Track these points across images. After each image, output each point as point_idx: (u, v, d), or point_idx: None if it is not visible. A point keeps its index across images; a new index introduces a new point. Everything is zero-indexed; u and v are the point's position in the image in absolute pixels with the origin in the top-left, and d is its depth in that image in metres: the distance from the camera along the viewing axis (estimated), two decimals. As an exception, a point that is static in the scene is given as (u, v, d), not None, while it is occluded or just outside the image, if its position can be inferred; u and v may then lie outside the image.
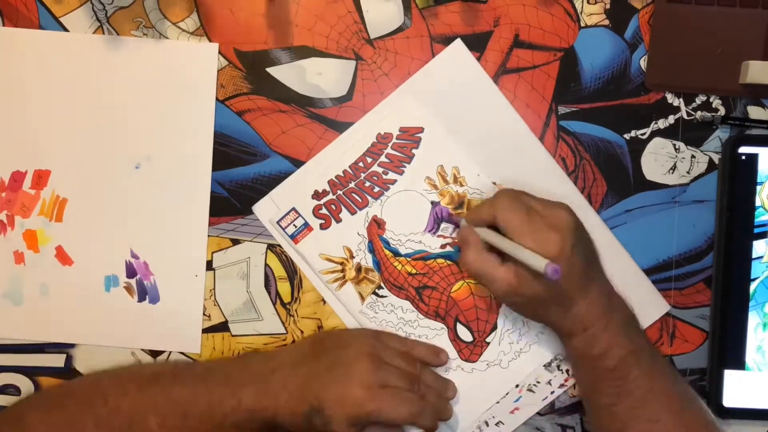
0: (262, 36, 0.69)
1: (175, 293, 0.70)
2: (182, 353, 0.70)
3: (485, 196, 0.69)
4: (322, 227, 0.69)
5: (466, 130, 0.69)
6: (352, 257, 0.69)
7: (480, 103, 0.69)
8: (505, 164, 0.69)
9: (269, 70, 0.69)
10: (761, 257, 0.68)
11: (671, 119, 0.70)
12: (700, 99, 0.70)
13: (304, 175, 0.69)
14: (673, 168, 0.70)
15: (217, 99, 0.69)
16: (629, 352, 0.61)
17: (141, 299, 0.70)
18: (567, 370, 0.69)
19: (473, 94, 0.69)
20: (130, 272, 0.70)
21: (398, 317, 0.69)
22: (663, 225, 0.70)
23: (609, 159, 0.70)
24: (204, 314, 0.70)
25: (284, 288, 0.70)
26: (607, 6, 0.69)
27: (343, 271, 0.69)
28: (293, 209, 0.69)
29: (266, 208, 0.69)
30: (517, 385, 0.69)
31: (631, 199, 0.70)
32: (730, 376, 0.68)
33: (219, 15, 0.69)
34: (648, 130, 0.70)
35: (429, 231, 0.69)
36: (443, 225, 0.69)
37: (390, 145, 0.69)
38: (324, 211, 0.69)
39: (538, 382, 0.69)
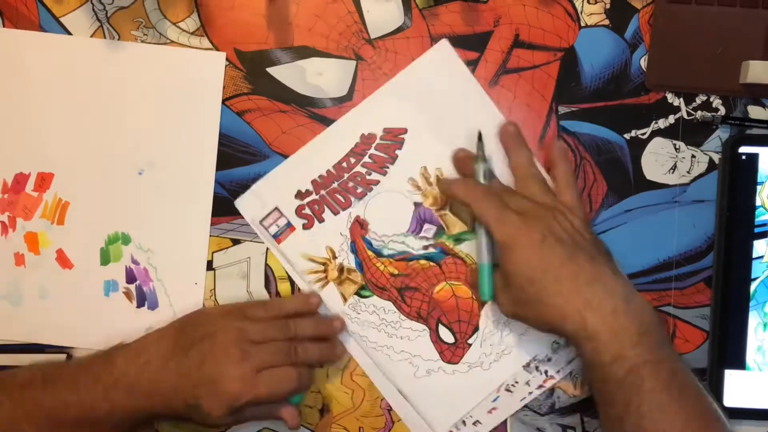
0: (263, 36, 0.69)
1: (174, 300, 0.70)
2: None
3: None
4: (305, 227, 0.69)
5: (450, 131, 0.69)
6: (335, 257, 0.69)
7: (464, 103, 0.69)
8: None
9: (269, 70, 0.69)
10: (761, 257, 0.68)
11: (671, 119, 0.70)
12: (700, 99, 0.70)
13: (287, 172, 0.69)
14: (674, 168, 0.70)
15: (217, 99, 0.69)
16: (644, 363, 0.57)
17: (140, 305, 0.70)
18: (546, 371, 0.69)
19: (458, 95, 0.69)
20: (130, 278, 0.70)
21: (380, 318, 0.69)
22: (663, 225, 0.70)
23: (609, 159, 0.70)
24: (204, 314, 0.70)
25: (284, 288, 0.70)
26: (607, 6, 0.69)
27: (325, 271, 0.69)
28: (276, 209, 0.69)
29: (249, 205, 0.69)
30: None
31: (631, 199, 0.70)
32: (730, 376, 0.68)
33: (219, 15, 0.69)
34: (648, 130, 0.70)
35: (412, 232, 0.69)
36: (426, 226, 0.69)
37: (373, 145, 0.69)
38: (307, 211, 0.69)
39: (516, 383, 0.69)
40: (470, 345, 0.69)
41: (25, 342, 0.70)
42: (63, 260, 0.70)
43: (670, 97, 0.70)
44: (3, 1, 0.69)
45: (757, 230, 0.68)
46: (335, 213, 0.69)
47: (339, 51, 0.69)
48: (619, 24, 0.69)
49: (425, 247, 0.69)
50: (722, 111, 0.70)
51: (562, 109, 0.70)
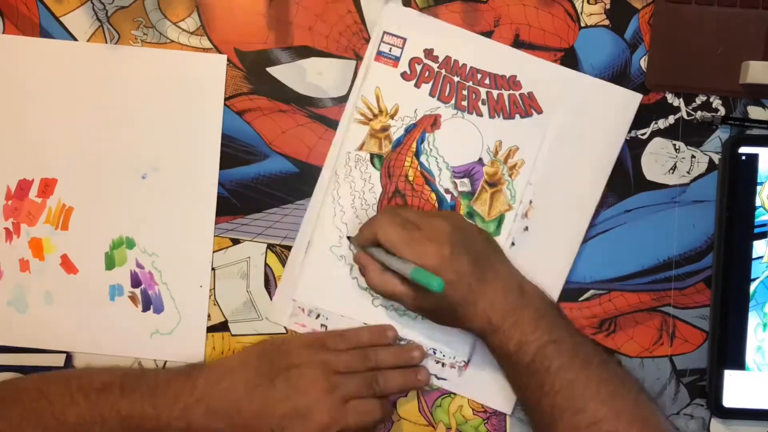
0: (263, 36, 0.69)
1: (179, 304, 0.70)
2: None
3: (513, 201, 0.69)
4: (404, 76, 0.68)
5: (562, 155, 0.69)
6: (391, 118, 0.68)
7: (598, 139, 0.68)
8: (555, 195, 0.69)
9: (269, 69, 0.69)
10: (761, 257, 0.68)
11: (671, 119, 0.70)
12: (700, 99, 0.70)
13: (443, 28, 0.68)
14: (673, 168, 0.70)
15: (217, 99, 0.69)
16: (544, 345, 0.61)
17: (145, 309, 0.70)
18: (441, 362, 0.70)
19: (602, 137, 0.68)
20: (135, 282, 0.70)
21: (360, 189, 0.69)
22: (663, 225, 0.70)
23: (609, 159, 0.70)
24: (204, 314, 0.70)
25: (284, 288, 0.70)
26: (607, 6, 0.69)
27: (373, 117, 0.68)
28: (405, 39, 0.67)
29: (392, 12, 0.68)
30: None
31: (631, 199, 0.70)
32: (730, 376, 0.68)
33: (219, 15, 0.69)
34: (648, 130, 0.70)
35: (455, 172, 0.69)
36: (464, 180, 0.69)
37: (510, 94, 0.68)
38: (419, 68, 0.68)
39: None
40: None
41: (31, 347, 0.70)
42: (68, 265, 0.70)
43: (670, 98, 0.70)
44: (3, 1, 0.69)
45: (756, 230, 0.68)
46: (432, 94, 0.68)
47: (339, 51, 0.69)
48: (619, 24, 0.69)
49: (446, 191, 0.69)
50: (722, 111, 0.70)
51: (562, 109, 0.70)
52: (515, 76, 0.68)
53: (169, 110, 0.69)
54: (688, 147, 0.70)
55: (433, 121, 0.68)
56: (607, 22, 0.69)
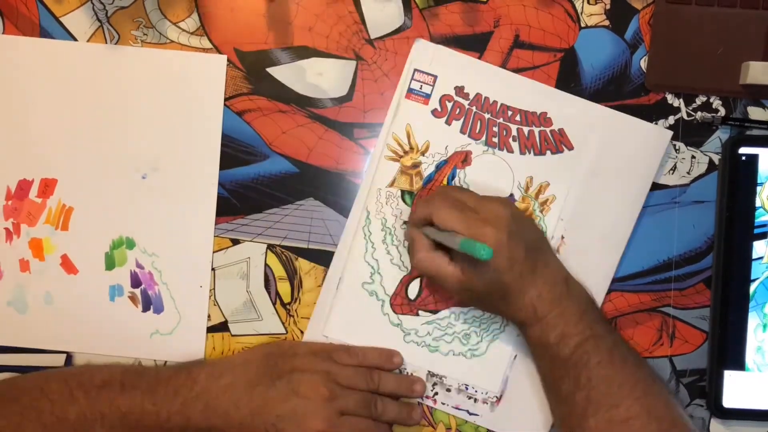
0: (263, 36, 0.69)
1: (179, 304, 0.70)
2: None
3: (547, 234, 0.68)
4: (434, 113, 0.68)
5: (593, 191, 0.69)
6: (422, 154, 0.68)
7: (628, 175, 0.69)
8: (586, 231, 0.69)
9: (269, 70, 0.69)
10: (761, 258, 0.68)
11: (671, 120, 0.70)
12: (700, 99, 0.70)
13: (473, 65, 0.68)
14: (674, 168, 0.70)
15: (217, 99, 0.69)
16: (586, 339, 0.61)
17: (145, 309, 0.70)
18: (434, 391, 0.69)
19: (632, 173, 0.68)
20: (135, 282, 0.70)
21: (392, 226, 0.69)
22: (663, 225, 0.70)
23: (609, 159, 0.70)
24: (204, 314, 0.70)
25: (284, 288, 0.70)
26: (608, 6, 0.69)
27: (404, 153, 0.69)
28: (436, 77, 0.68)
29: (422, 50, 0.68)
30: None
31: (631, 200, 0.70)
32: (729, 376, 0.68)
33: (219, 15, 0.69)
34: (648, 131, 0.70)
35: None
36: None
37: (541, 130, 0.68)
38: (449, 105, 0.68)
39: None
40: (418, 315, 0.69)
41: (31, 347, 0.70)
42: (68, 266, 0.70)
43: (670, 98, 0.70)
44: (3, 2, 0.69)
45: (756, 231, 0.68)
46: (463, 131, 0.68)
47: (339, 51, 0.69)
48: (619, 25, 0.69)
49: None
50: (722, 112, 0.70)
51: (562, 110, 0.70)
52: (546, 113, 0.68)
53: (169, 110, 0.69)
54: (688, 147, 0.70)
55: (464, 158, 0.68)
56: (607, 23, 0.69)
